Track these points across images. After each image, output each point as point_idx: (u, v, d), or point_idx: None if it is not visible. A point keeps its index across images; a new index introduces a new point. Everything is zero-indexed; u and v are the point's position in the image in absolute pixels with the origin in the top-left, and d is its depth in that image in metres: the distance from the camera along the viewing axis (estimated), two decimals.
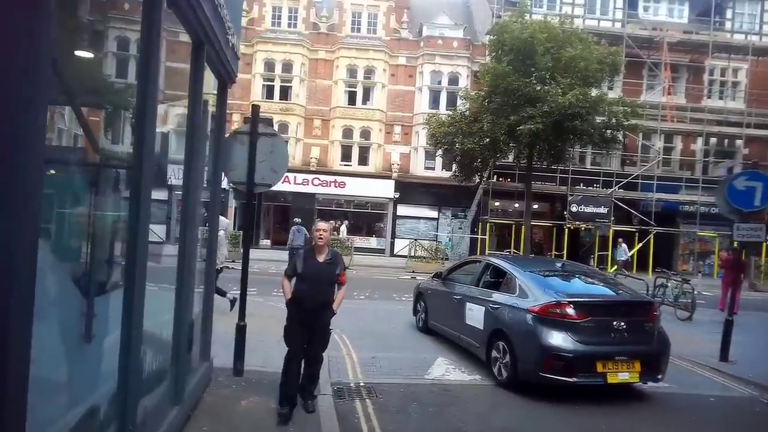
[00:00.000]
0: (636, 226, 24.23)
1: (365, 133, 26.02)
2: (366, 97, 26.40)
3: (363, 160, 26.09)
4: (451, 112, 22.41)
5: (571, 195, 23.86)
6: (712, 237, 24.76)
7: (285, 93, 25.75)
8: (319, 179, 25.22)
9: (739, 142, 25.70)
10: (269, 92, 25.68)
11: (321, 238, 4.73)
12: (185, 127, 4.25)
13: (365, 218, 26.38)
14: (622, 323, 5.76)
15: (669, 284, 12.39)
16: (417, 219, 26.11)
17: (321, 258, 4.74)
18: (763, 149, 25.17)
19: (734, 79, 26.63)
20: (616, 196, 23.86)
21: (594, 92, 18.94)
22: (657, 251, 23.59)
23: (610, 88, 20.98)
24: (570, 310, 5.69)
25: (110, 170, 3.81)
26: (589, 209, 23.89)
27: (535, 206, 21.97)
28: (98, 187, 3.35)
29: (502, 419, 5.14)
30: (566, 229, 23.84)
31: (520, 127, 17.83)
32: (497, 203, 25.00)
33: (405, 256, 21.89)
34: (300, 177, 24.54)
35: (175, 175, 4.42)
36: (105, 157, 3.31)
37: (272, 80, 25.76)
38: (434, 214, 26.21)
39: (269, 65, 25.83)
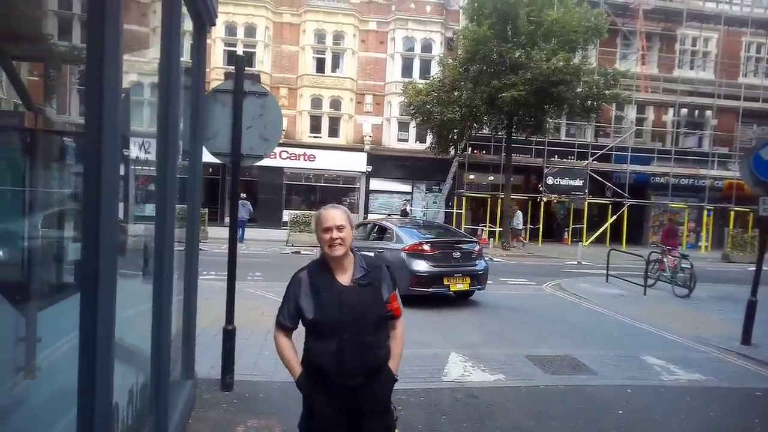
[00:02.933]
0: (610, 198, 24.14)
1: (335, 103, 24.71)
2: (335, 65, 25.01)
3: (333, 131, 24.84)
4: (426, 81, 21.42)
5: (547, 167, 23.46)
6: (682, 208, 24.97)
7: (248, 60, 24.04)
8: (287, 152, 23.85)
9: (708, 113, 25.78)
10: (231, 59, 23.88)
11: (338, 244, 2.34)
12: (156, 83, 3.15)
13: (336, 193, 25.21)
14: (458, 253, 9.12)
15: (665, 260, 12.00)
16: (390, 193, 25.22)
17: (346, 277, 2.40)
18: (731, 120, 25.39)
19: (705, 49, 26.56)
20: (590, 168, 23.62)
21: (577, 58, 18.32)
22: (628, 223, 23.60)
23: (586, 58, 20.40)
24: (426, 247, 8.84)
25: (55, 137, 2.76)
26: (565, 182, 23.61)
27: (511, 179, 21.43)
28: (36, 156, 2.31)
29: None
30: (541, 202, 23.49)
31: (503, 94, 17.08)
32: (472, 176, 24.35)
33: None
34: None
35: (141, 145, 3.36)
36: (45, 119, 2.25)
37: (234, 45, 23.97)
38: (408, 188, 25.36)
39: (231, 29, 24.03)
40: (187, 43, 4.21)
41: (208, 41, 22.60)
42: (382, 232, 10.12)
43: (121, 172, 3.13)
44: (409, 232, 9.50)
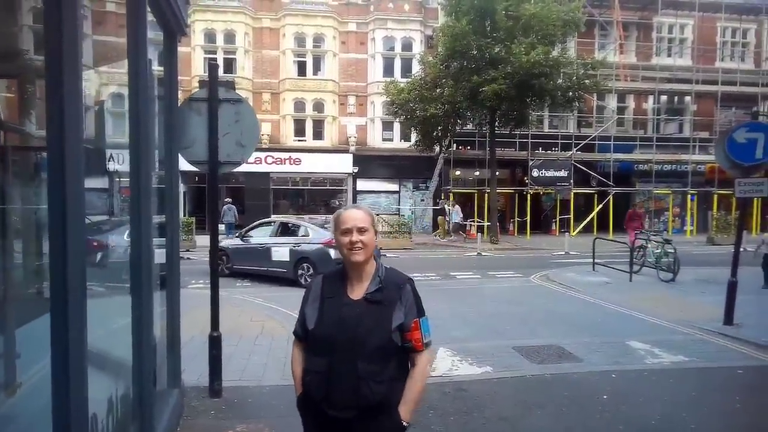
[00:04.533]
0: (595, 187, 24.37)
1: (318, 106, 24.70)
2: (317, 67, 24.99)
3: (318, 134, 24.82)
4: (408, 79, 21.52)
5: (532, 160, 23.64)
6: (666, 194, 25.29)
7: (229, 66, 23.96)
8: (272, 157, 23.80)
9: (688, 99, 26.10)
10: (209, 66, 23.76)
11: (358, 248, 2.08)
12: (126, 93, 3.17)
13: (324, 195, 25.24)
14: None
15: (649, 246, 12.18)
16: (378, 193, 25.24)
17: (360, 290, 2.11)
18: (710, 105, 25.73)
19: (681, 36, 26.88)
20: (575, 159, 23.83)
21: (556, 51, 18.51)
22: (614, 211, 23.83)
23: (565, 50, 20.58)
24: None
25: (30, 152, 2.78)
26: (550, 173, 23.80)
27: (497, 173, 21.57)
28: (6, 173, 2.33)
29: (536, 422, 4.45)
30: (528, 195, 23.66)
31: (484, 88, 17.23)
32: (458, 172, 24.46)
33: None
34: (253, 155, 22.86)
35: (116, 158, 3.37)
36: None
37: (214, 52, 23.85)
38: (395, 187, 25.41)
39: (210, 36, 23.91)
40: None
41: (187, 50, 22.35)
42: (291, 228, 11.76)
43: (104, 184, 3.18)
44: (321, 229, 11.17)
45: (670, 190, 25.12)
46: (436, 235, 22.25)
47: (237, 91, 5.48)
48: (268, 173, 23.98)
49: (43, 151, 3.01)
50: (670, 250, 11.33)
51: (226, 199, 21.11)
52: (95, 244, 2.89)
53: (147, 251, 3.13)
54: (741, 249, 7.76)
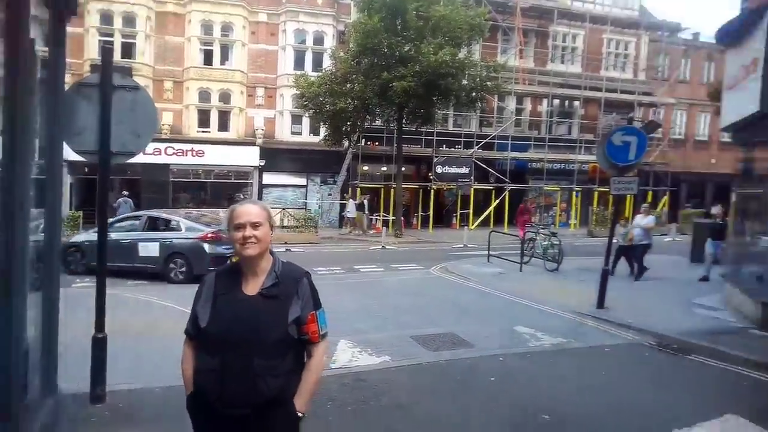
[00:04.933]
0: (493, 183, 25.82)
1: (225, 96, 23.82)
2: (224, 57, 24.01)
3: (223, 125, 23.92)
4: (319, 73, 21.42)
5: (436, 156, 24.52)
6: (554, 190, 27.42)
7: (128, 51, 22.39)
8: (173, 148, 22.57)
9: (576, 103, 28.39)
10: (102, 50, 22.05)
11: (251, 242, 2.07)
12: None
13: (228, 189, 24.33)
14: None
15: (537, 238, 13.20)
16: (285, 187, 24.83)
17: (255, 285, 2.10)
18: (595, 110, 28.17)
19: (573, 45, 29.14)
20: (476, 156, 25.04)
21: (462, 53, 19.35)
22: (510, 206, 25.39)
23: (470, 52, 21.58)
24: (223, 234, 10.22)
25: None
26: (453, 170, 24.81)
27: (402, 169, 22.18)
28: None
29: (430, 406, 4.70)
30: (431, 190, 24.54)
31: (393, 84, 17.64)
32: (366, 167, 24.78)
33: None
34: (151, 146, 21.52)
35: None
36: None
37: (111, 35, 22.15)
38: (302, 181, 25.17)
39: (106, 18, 22.13)
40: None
41: (80, 31, 20.57)
42: (161, 223, 11.43)
43: None
44: (196, 224, 11.15)
45: (559, 187, 27.28)
46: (354, 231, 22.09)
47: (136, 78, 5.20)
48: (167, 165, 22.73)
49: None
50: (555, 242, 12.39)
51: (123, 192, 19.88)
52: None
53: (21, 247, 2.94)
54: (614, 241, 8.71)
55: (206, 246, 10.52)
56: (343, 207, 23.88)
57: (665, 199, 28.92)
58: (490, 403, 4.80)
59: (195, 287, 2.23)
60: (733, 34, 8.17)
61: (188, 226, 11.02)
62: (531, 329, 7.24)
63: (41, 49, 3.86)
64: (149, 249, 10.84)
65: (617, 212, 9.39)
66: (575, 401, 4.85)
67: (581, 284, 10.43)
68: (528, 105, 28.43)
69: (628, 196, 14.40)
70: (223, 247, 10.56)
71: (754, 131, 8.09)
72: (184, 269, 10.60)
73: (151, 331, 6.69)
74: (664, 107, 29.71)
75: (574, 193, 27.19)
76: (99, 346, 4.32)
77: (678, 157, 30.10)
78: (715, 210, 11.64)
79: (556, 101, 28.32)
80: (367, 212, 22.76)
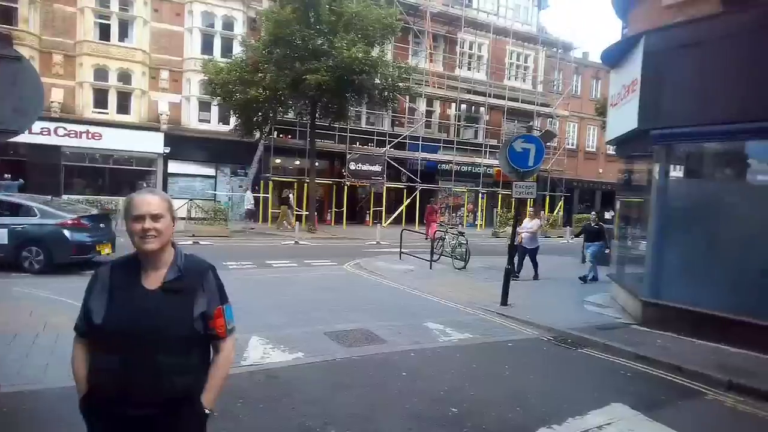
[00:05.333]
0: (405, 182, 26.46)
1: (124, 77, 22.20)
2: (123, 34, 22.36)
3: (123, 108, 22.29)
4: (228, 60, 20.63)
5: (350, 153, 24.66)
6: (462, 192, 28.66)
7: (7, 16, 20.09)
8: (65, 129, 20.67)
9: (482, 109, 29.85)
10: None
11: (151, 236, 1.94)
12: None
13: (129, 176, 22.72)
14: (101, 225, 10.85)
15: (446, 237, 13.76)
16: (192, 177, 23.70)
17: (155, 279, 1.99)
18: (499, 116, 29.87)
19: (479, 53, 30.56)
20: (388, 155, 25.51)
21: (375, 52, 19.58)
22: (421, 205, 26.24)
23: (383, 52, 21.93)
24: (84, 221, 10.24)
25: None
26: (366, 167, 25.11)
27: (316, 164, 22.06)
28: None
29: (343, 401, 4.78)
30: (345, 186, 24.64)
31: (306, 77, 17.48)
32: (278, 160, 24.33)
33: (181, 218, 19.72)
34: (38, 125, 19.63)
35: None
36: None
37: None
38: (211, 171, 24.16)
39: None
40: None
41: None
42: (12, 207, 10.27)
43: None
44: (54, 209, 10.41)
45: (466, 189, 28.58)
46: (281, 226, 21.48)
47: (18, 48, 4.73)
48: (59, 147, 20.79)
49: None
50: (463, 242, 13.00)
51: (5, 175, 18.07)
52: None
53: None
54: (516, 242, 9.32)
55: (67, 232, 9.90)
56: (256, 200, 23.23)
57: (561, 203, 31.42)
58: (401, 397, 4.95)
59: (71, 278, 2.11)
60: (615, 57, 9.06)
61: (44, 211, 10.13)
62: (440, 325, 7.56)
63: None
64: None
65: (518, 214, 10.04)
66: (481, 393, 5.16)
67: (486, 282, 11.04)
68: (438, 108, 29.44)
69: (529, 199, 15.41)
70: (86, 234, 10.21)
71: (634, 145, 9.04)
72: (40, 258, 9.83)
73: (39, 328, 6.13)
74: (559, 119, 32.25)
75: (480, 195, 28.65)
76: None
77: (571, 165, 32.81)
78: (592, 215, 12.86)
79: (464, 106, 29.58)
80: (293, 206, 22.30)
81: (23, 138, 19.04)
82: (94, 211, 11.69)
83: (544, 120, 31.67)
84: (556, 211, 30.78)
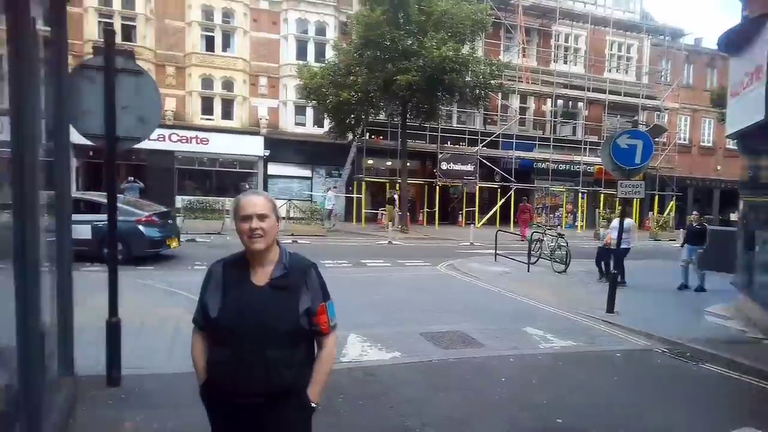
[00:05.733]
0: (498, 182, 25.69)
1: (227, 84, 23.64)
2: (226, 44, 23.84)
3: (227, 114, 23.76)
4: (321, 64, 21.24)
5: (441, 153, 24.39)
6: (560, 191, 27.27)
7: (128, 34, 22.16)
8: (177, 135, 22.45)
9: (580, 105, 28.24)
10: (105, 31, 21.80)
11: (258, 236, 2.02)
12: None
13: (233, 178, 24.20)
14: (169, 221, 11.89)
15: (545, 239, 13.08)
16: (290, 178, 24.71)
17: (263, 276, 2.07)
18: (599, 111, 28.06)
19: (576, 46, 28.97)
20: (480, 154, 24.91)
21: (465, 49, 19.18)
22: (515, 205, 25.28)
23: (473, 49, 21.40)
24: (155, 218, 11.16)
25: None
26: (458, 167, 24.69)
27: (408, 164, 22.03)
28: None
29: (440, 403, 4.61)
30: (437, 186, 24.41)
31: (397, 78, 17.49)
32: (370, 161, 24.65)
33: (281, 218, 20.44)
34: (156, 132, 21.31)
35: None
36: None
37: (110, 17, 21.94)
38: (308, 172, 25.04)
39: None
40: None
41: (79, 11, 20.32)
42: (92, 206, 10.94)
43: None
44: (131, 207, 11.28)
45: (565, 188, 27.15)
46: (386, 226, 21.74)
47: (138, 62, 5.08)
48: (172, 152, 22.62)
49: None
50: (562, 244, 12.26)
51: (129, 178, 19.69)
52: None
53: (32, 229, 2.81)
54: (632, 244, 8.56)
55: (143, 228, 10.80)
56: (349, 201, 23.69)
57: (672, 204, 28.82)
58: (500, 403, 4.69)
59: (200, 273, 2.14)
60: (734, 42, 8.04)
61: (121, 209, 10.82)
62: (540, 331, 7.13)
63: (42, 28, 3.72)
64: (78, 231, 10.35)
65: (623, 215, 9.22)
66: (587, 405, 4.75)
67: (589, 287, 10.33)
68: (532, 104, 28.29)
69: (635, 199, 14.25)
70: (157, 230, 11.14)
71: (760, 139, 7.96)
72: (121, 249, 10.15)
73: (160, 318, 6.58)
74: (668, 112, 29.59)
75: (580, 194, 27.05)
76: (113, 330, 4.28)
77: (683, 162, 30.01)
78: (693, 215, 11.14)
79: (560, 101, 28.15)
80: (397, 208, 22.51)
81: (144, 144, 20.40)
82: (163, 209, 12.49)
83: (651, 113, 29.31)
84: (666, 212, 28.28)
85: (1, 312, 2.63)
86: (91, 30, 21.30)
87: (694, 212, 11.47)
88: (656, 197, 27.83)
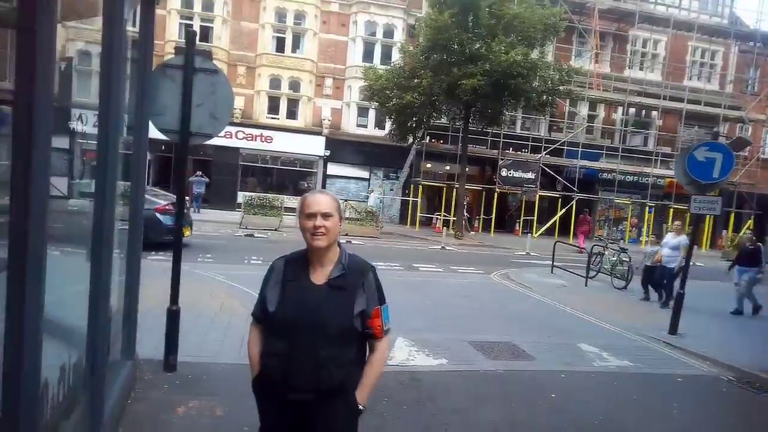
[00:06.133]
0: (560, 191, 24.93)
1: (294, 85, 24.32)
2: (296, 45, 24.53)
3: (291, 113, 24.44)
4: (387, 66, 21.43)
5: (502, 159, 23.98)
6: (626, 204, 26.11)
7: (205, 34, 23.28)
8: (243, 132, 23.35)
9: (654, 114, 26.90)
10: (186, 33, 23.06)
11: (321, 234, 2.06)
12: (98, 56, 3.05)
13: (293, 176, 24.95)
14: (183, 211, 12.17)
15: (606, 253, 12.58)
16: (348, 179, 25.10)
17: (322, 275, 2.12)
18: (675, 121, 26.62)
19: (654, 51, 27.62)
20: (543, 162, 24.26)
21: (534, 54, 18.77)
22: (576, 217, 24.44)
23: (542, 53, 20.87)
24: (170, 207, 11.02)
25: None
26: (518, 174, 24.19)
27: (466, 169, 21.79)
28: None
29: (486, 415, 4.55)
30: (495, 193, 24.02)
31: (462, 82, 17.35)
32: (429, 165, 24.58)
33: None
34: (224, 129, 22.42)
35: (82, 119, 3.24)
36: None
37: (190, 18, 23.14)
38: (365, 174, 25.33)
39: (187, 1, 23.14)
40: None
41: (163, 13, 21.58)
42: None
43: (65, 144, 3.06)
44: (150, 197, 11.24)
45: (630, 201, 25.96)
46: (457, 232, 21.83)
47: (213, 62, 5.36)
48: (237, 148, 23.54)
49: (2, 103, 2.87)
50: (624, 259, 11.73)
51: (197, 173, 20.99)
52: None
53: (110, 217, 3.04)
54: (691, 263, 8.10)
55: (161, 217, 11.06)
56: (404, 203, 23.76)
57: (750, 222, 26.86)
58: (549, 418, 4.58)
59: (264, 270, 2.21)
60: None
61: (148, 198, 11.70)
62: (596, 348, 6.87)
63: (131, 29, 4.00)
64: None
65: (695, 232, 8.71)
66: (644, 429, 4.54)
67: (651, 306, 9.85)
68: (601, 112, 27.24)
69: (708, 216, 13.43)
70: (171, 218, 11.23)
71: None
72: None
73: (216, 309, 6.88)
74: (753, 124, 27.59)
75: (647, 208, 25.74)
76: (173, 317, 4.50)
77: (765, 178, 27.89)
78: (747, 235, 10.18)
79: (632, 110, 26.91)
80: (466, 214, 22.44)
81: (212, 141, 21.52)
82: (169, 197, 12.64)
83: (733, 125, 27.48)
84: (742, 231, 26.43)
85: (75, 294, 2.86)
86: (172, 31, 22.56)
87: (748, 230, 10.62)
88: (732, 215, 26.05)
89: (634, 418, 4.76)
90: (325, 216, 2.05)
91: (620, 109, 26.59)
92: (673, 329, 7.76)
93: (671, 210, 25.12)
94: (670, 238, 10.12)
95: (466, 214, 22.11)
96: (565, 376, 5.73)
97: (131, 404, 3.87)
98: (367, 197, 23.28)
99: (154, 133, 4.52)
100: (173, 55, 4.49)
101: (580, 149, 24.72)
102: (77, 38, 3.36)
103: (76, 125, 3.18)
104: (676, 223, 10.85)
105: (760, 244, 10.16)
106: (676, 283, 8.50)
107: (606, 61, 26.73)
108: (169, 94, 4.46)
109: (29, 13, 1.74)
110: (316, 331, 2.01)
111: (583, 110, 26.16)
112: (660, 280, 10.11)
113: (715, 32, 27.03)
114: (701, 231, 22.81)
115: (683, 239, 9.81)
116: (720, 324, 9.06)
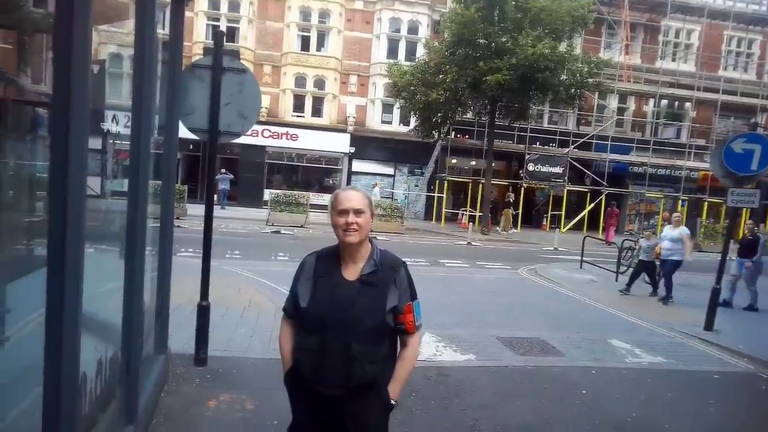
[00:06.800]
0: (589, 186, 24.46)
1: (319, 83, 24.45)
2: (320, 44, 24.65)
3: (317, 111, 24.60)
4: (412, 63, 21.35)
5: (529, 153, 23.65)
6: (658, 198, 25.46)
7: (231, 35, 23.59)
8: (269, 131, 23.60)
9: (688, 105, 26.12)
10: (214, 33, 23.43)
11: (353, 230, 2.07)
12: (132, 57, 3.13)
13: (318, 173, 25.15)
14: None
15: (637, 247, 12.26)
16: (373, 175, 25.11)
17: (354, 271, 2.12)
18: (709, 113, 25.83)
19: (687, 41, 26.82)
20: (571, 156, 23.85)
21: (562, 47, 18.44)
22: (605, 211, 23.93)
23: (571, 46, 20.46)
24: None
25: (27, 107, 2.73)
26: (546, 168, 23.84)
27: (492, 164, 21.58)
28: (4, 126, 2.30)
29: (515, 411, 4.52)
30: (522, 188, 23.71)
31: (487, 77, 17.17)
32: (454, 161, 24.43)
33: None
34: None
35: (115, 119, 3.33)
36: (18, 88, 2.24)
37: (217, 19, 23.49)
38: (390, 170, 25.32)
39: (214, 3, 23.52)
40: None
41: (191, 14, 21.97)
42: None
43: (98, 145, 3.15)
44: None
45: (662, 194, 25.31)
46: (500, 230, 21.73)
47: (240, 61, 5.43)
48: (263, 147, 23.81)
49: (40, 106, 2.96)
50: None
51: (222, 170, 21.41)
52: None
53: (142, 216, 3.12)
54: (727, 258, 7.85)
55: None
56: (430, 199, 23.69)
57: None
58: (580, 415, 4.51)
59: (290, 266, 2.25)
60: None
61: None
62: (627, 344, 6.74)
63: (161, 32, 4.08)
64: None
65: (732, 226, 8.43)
66: (679, 427, 4.44)
67: (684, 301, 9.59)
68: (632, 104, 26.60)
69: (745, 210, 12.99)
70: None
71: None
72: None
73: (245, 304, 6.98)
74: None
75: (680, 201, 25.04)
76: (203, 313, 4.59)
77: None
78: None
79: (664, 101, 26.22)
80: (512, 209, 22.29)
81: (239, 139, 21.84)
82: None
83: None
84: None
85: (110, 291, 2.94)
86: (199, 32, 22.93)
87: (749, 221, 10.22)
88: None
89: (668, 415, 4.66)
90: (357, 212, 2.07)
91: (651, 101, 25.93)
92: (709, 325, 7.55)
93: (705, 204, 24.40)
94: (669, 231, 9.82)
95: (513, 211, 21.96)
96: (595, 373, 5.64)
97: (164, 397, 3.97)
98: (372, 192, 23.34)
99: (182, 132, 4.62)
100: (201, 56, 4.57)
101: (609, 142, 24.19)
102: (109, 41, 3.45)
103: (110, 126, 3.27)
104: (676, 214, 10.56)
105: (760, 235, 9.81)
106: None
107: (636, 52, 26.07)
108: (198, 94, 4.54)
109: (66, 18, 1.79)
110: (348, 327, 2.01)
111: (613, 103, 25.59)
112: (666, 274, 9.83)
113: (752, 20, 26.10)
114: (737, 225, 22.06)
115: (684, 230, 9.63)
116: (758, 320, 8.77)
